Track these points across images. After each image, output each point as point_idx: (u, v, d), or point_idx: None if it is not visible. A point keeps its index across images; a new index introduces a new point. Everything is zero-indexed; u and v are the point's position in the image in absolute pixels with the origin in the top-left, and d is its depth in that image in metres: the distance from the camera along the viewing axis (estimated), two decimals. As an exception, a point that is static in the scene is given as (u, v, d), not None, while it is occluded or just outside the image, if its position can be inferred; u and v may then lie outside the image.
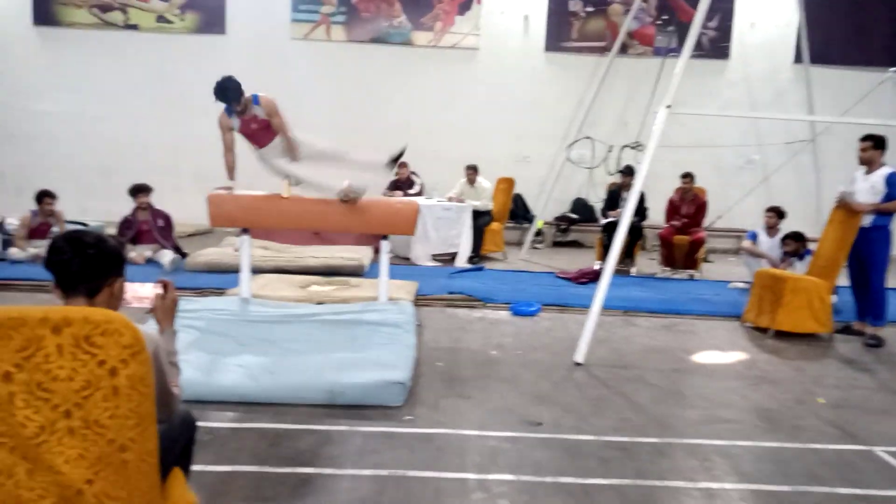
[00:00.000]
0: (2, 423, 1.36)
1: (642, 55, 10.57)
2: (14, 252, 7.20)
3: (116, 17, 10.39)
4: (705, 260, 8.81)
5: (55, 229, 7.54)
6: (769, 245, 7.21)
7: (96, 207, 10.14)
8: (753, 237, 7.34)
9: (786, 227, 7.27)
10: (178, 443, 1.99)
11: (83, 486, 1.40)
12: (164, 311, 2.04)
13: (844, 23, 10.45)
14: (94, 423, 1.38)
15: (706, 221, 8.58)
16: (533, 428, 3.53)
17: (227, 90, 4.88)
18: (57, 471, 1.38)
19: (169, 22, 10.43)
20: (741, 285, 7.43)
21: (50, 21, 10.36)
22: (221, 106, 5.05)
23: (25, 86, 10.51)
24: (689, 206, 8.21)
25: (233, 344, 4.46)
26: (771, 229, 7.28)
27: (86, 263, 1.74)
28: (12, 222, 7.66)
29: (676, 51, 10.03)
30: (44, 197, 7.42)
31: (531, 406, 3.83)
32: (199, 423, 3.35)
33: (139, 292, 1.84)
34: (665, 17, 10.57)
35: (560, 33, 10.65)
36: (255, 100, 5.04)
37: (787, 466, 3.22)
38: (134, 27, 10.44)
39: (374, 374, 3.80)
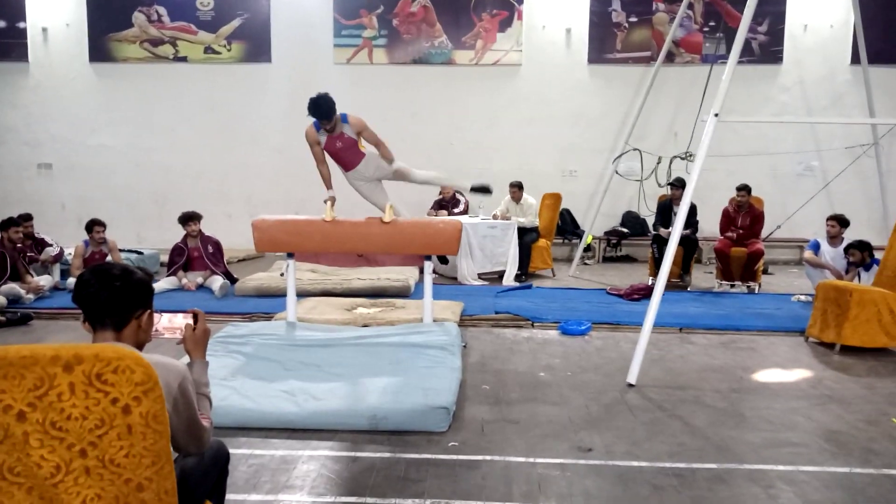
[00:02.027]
0: (18, 463, 1.32)
1: (689, 63, 10.32)
2: (71, 282, 7.41)
3: (167, 50, 10.73)
4: (765, 272, 8.47)
5: (109, 258, 7.75)
6: (832, 255, 6.88)
7: (152, 235, 10.46)
8: (815, 247, 7.02)
9: (849, 235, 6.93)
10: (209, 476, 1.93)
11: (101, 527, 1.36)
12: (195, 342, 2.00)
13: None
14: (109, 463, 1.33)
15: (764, 232, 8.25)
16: (583, 454, 3.38)
17: (320, 106, 4.97)
18: (74, 512, 1.34)
19: (217, 53, 10.72)
20: (804, 298, 7.10)
21: (105, 58, 10.76)
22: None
23: (83, 120, 10.92)
24: (744, 217, 7.91)
25: (279, 369, 4.45)
26: (833, 239, 6.95)
27: (112, 296, 1.72)
28: (71, 252, 7.91)
29: (725, 57, 9.73)
30: (93, 226, 7.64)
31: (581, 431, 3.67)
32: (246, 452, 3.34)
33: (172, 323, 1.80)
34: (712, 23, 10.31)
35: (603, 45, 10.50)
36: (344, 118, 5.11)
37: (858, 494, 2.98)
38: (183, 59, 10.75)
39: (417, 399, 3.71)
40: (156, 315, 2.00)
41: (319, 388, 4.00)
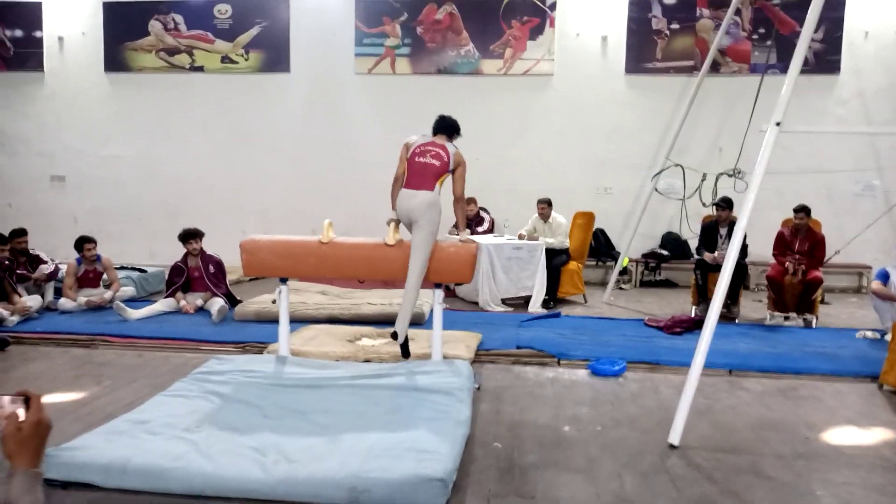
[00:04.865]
0: None
1: (737, 73, 9.51)
2: (63, 302, 6.92)
3: (183, 59, 10.32)
4: (821, 302, 7.58)
5: (105, 277, 7.27)
6: (905, 286, 6.02)
7: (163, 251, 9.97)
8: (884, 277, 6.16)
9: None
10: None
11: None
12: (20, 442, 1.31)
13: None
14: None
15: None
16: (613, 548, 2.66)
17: (446, 119, 4.98)
18: None
19: (234, 62, 10.26)
20: (871, 335, 6.23)
21: (120, 67, 10.39)
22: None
23: (97, 131, 10.55)
24: (802, 241, 7.05)
25: (256, 416, 3.81)
26: (906, 268, 6.09)
27: None
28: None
29: (776, 66, 8.99)
30: (83, 243, 7.14)
31: (612, 511, 2.95)
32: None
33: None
34: (762, 30, 9.51)
35: (642, 54, 9.75)
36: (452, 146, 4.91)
37: None
38: (200, 69, 10.32)
39: (408, 466, 3.02)
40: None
41: (296, 444, 3.34)
